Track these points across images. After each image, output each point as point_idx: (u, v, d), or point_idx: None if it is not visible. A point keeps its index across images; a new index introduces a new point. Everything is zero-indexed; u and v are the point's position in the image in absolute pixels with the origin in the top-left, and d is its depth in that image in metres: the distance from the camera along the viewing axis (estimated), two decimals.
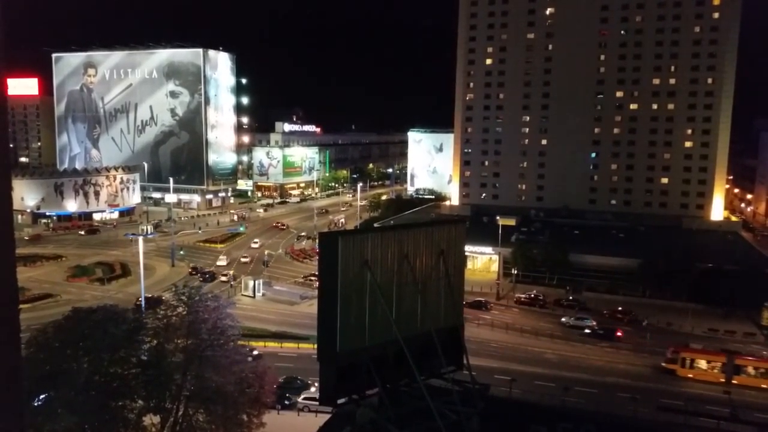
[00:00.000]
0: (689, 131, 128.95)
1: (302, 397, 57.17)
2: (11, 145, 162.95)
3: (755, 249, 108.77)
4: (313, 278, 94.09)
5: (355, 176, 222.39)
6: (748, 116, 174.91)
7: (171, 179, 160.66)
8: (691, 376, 64.37)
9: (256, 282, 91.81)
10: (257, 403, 42.01)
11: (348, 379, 22.07)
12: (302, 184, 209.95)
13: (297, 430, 49.61)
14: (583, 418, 31.04)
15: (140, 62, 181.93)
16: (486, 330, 77.36)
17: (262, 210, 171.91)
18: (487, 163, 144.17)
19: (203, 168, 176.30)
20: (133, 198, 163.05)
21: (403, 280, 23.26)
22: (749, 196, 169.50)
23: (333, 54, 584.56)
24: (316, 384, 39.47)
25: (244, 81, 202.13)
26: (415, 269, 23.55)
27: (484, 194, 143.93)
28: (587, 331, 77.76)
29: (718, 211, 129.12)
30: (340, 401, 22.32)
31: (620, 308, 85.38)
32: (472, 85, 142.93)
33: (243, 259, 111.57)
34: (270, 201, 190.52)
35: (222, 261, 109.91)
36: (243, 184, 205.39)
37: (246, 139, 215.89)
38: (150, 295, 77.80)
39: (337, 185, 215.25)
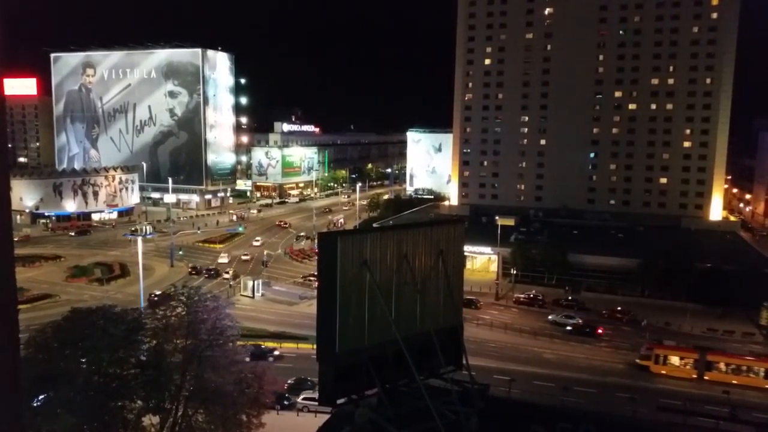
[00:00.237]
0: (688, 131, 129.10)
1: (301, 397, 57.23)
2: (9, 146, 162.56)
3: (754, 249, 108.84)
4: (312, 278, 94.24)
5: (354, 176, 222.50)
6: (747, 116, 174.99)
7: (170, 179, 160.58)
8: (664, 372, 65.13)
9: (256, 282, 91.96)
10: (256, 403, 42.06)
11: (347, 379, 22.04)
12: (301, 184, 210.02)
13: (296, 430, 49.62)
14: (582, 418, 31.04)
15: (139, 62, 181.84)
16: (485, 330, 77.46)
17: (255, 211, 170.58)
18: (486, 163, 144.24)
19: (202, 168, 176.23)
20: (132, 198, 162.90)
21: (402, 280, 23.22)
22: (748, 196, 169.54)
23: (332, 54, 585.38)
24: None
25: (243, 81, 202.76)
26: (414, 269, 23.51)
27: (483, 194, 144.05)
28: (569, 328, 78.41)
29: (716, 211, 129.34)
30: (340, 401, 22.29)
31: (619, 308, 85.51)
32: (470, 85, 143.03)
33: (244, 257, 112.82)
34: (269, 201, 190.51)
35: (223, 258, 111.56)
36: (242, 184, 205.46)
37: (245, 139, 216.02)
38: (160, 291, 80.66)
39: (336, 185, 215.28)
